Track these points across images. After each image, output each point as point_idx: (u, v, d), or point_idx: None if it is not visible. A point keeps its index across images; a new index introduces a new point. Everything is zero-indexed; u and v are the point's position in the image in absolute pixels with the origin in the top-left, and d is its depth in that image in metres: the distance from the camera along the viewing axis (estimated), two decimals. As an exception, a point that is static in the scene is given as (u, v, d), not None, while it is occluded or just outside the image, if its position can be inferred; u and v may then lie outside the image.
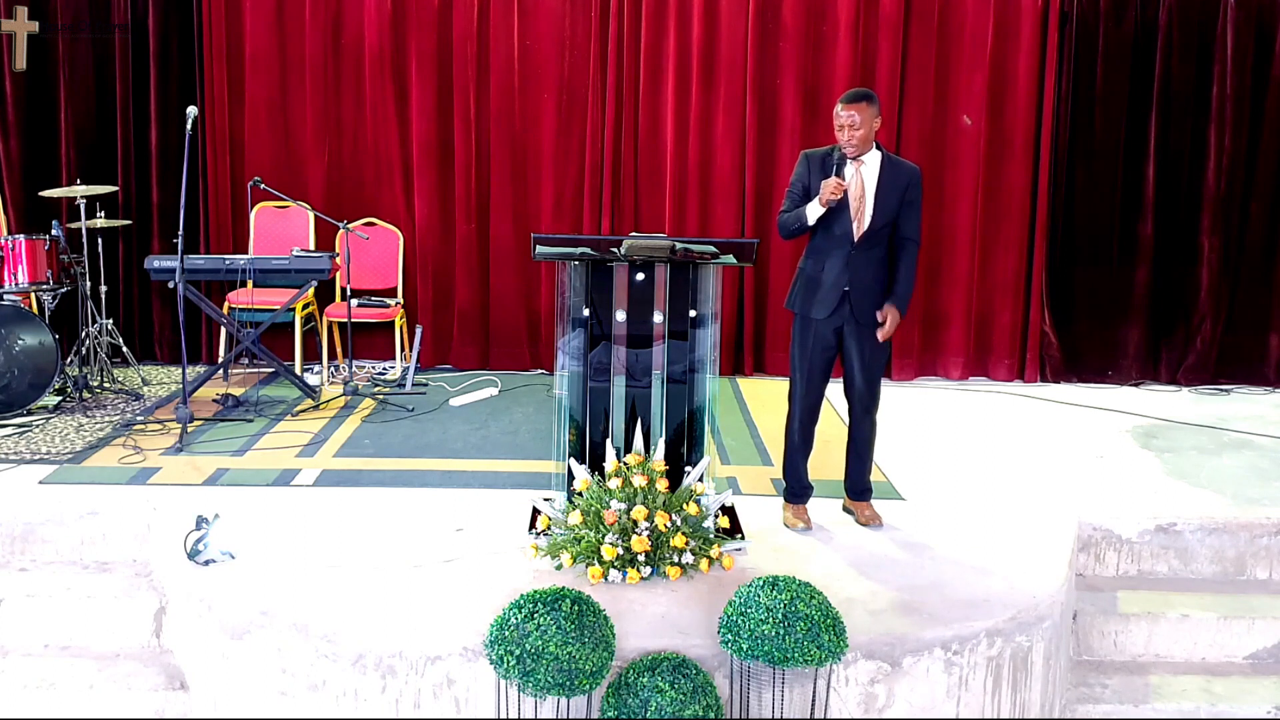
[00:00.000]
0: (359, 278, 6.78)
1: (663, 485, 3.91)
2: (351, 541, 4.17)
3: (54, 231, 5.98)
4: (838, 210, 4.23)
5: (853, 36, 6.77)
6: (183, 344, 5.31)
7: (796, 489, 4.47)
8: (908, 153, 6.88)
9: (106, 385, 6.22)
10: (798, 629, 3.28)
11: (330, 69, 6.95)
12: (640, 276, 4.08)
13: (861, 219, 4.25)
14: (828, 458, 4.69)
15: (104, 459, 5.05)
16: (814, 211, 4.23)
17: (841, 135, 4.22)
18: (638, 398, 4.11)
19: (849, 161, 4.26)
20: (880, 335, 4.29)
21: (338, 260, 6.40)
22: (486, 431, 5.67)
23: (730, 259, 4.12)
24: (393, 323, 6.91)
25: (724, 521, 4.19)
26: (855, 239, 4.25)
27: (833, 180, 4.16)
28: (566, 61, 6.90)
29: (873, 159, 4.27)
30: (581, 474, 4.02)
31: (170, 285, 5.47)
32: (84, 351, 6.19)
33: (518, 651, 3.22)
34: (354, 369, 6.78)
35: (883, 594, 3.79)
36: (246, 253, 6.84)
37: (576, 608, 3.29)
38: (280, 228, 7.01)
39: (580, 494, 3.96)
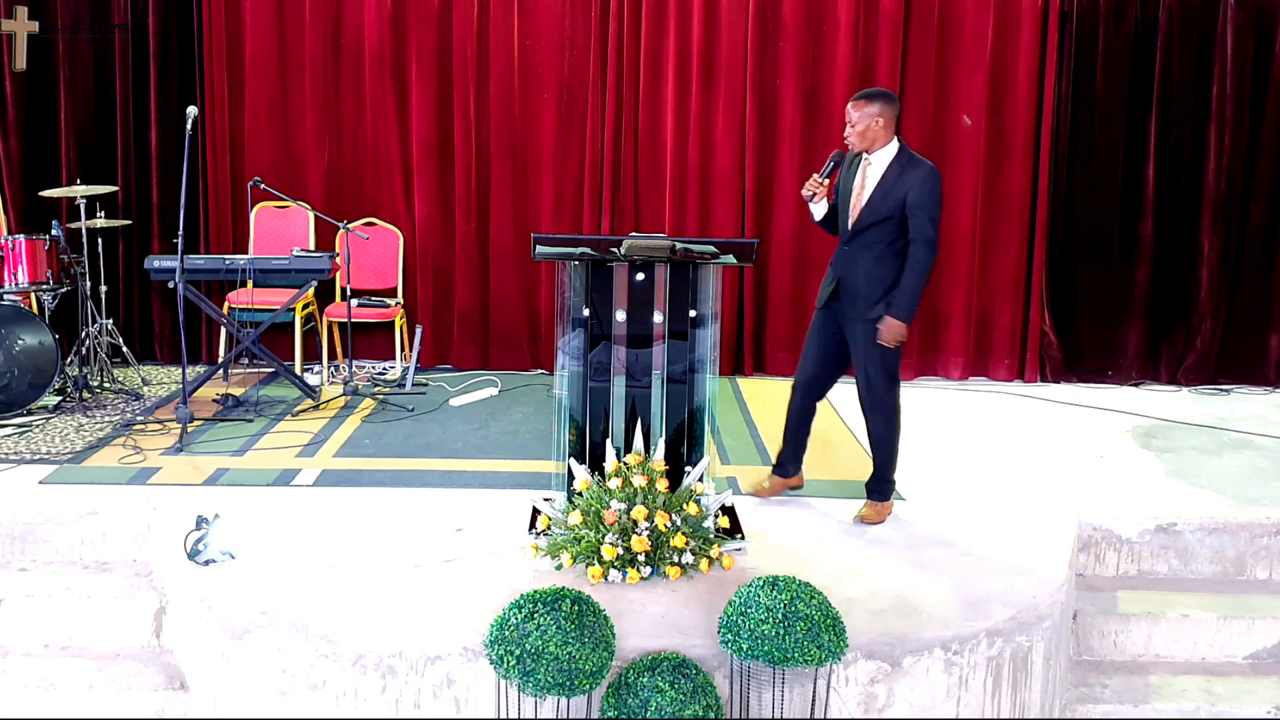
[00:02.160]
0: (359, 278, 6.78)
1: (663, 485, 3.90)
2: (351, 541, 4.17)
3: (54, 231, 5.98)
4: (840, 206, 4.39)
5: (853, 36, 6.77)
6: (183, 344, 5.31)
7: (777, 458, 4.69)
8: (907, 153, 6.88)
9: (106, 385, 6.22)
10: (798, 629, 3.28)
11: (330, 69, 6.95)
12: (640, 276, 4.08)
13: (852, 215, 4.32)
14: (828, 456, 4.71)
15: (104, 459, 5.05)
16: (813, 207, 4.43)
17: (846, 132, 4.36)
18: (638, 398, 4.11)
19: (863, 157, 4.33)
20: (880, 340, 4.30)
21: (338, 260, 6.40)
22: (486, 431, 5.67)
23: (730, 259, 4.12)
24: (393, 323, 6.91)
25: (724, 521, 4.19)
26: (847, 235, 4.34)
27: (813, 178, 4.38)
28: (566, 61, 6.90)
29: (881, 157, 4.29)
30: (581, 474, 4.02)
31: (170, 285, 5.46)
32: (84, 351, 6.19)
33: (518, 651, 3.22)
34: (354, 369, 6.78)
35: (883, 594, 3.79)
36: (246, 253, 6.84)
37: (576, 608, 3.29)
38: (280, 228, 7.01)
39: (580, 494, 3.96)
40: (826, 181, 4.38)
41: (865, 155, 4.31)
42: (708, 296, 4.13)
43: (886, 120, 4.25)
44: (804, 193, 4.41)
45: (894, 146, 4.28)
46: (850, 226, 4.32)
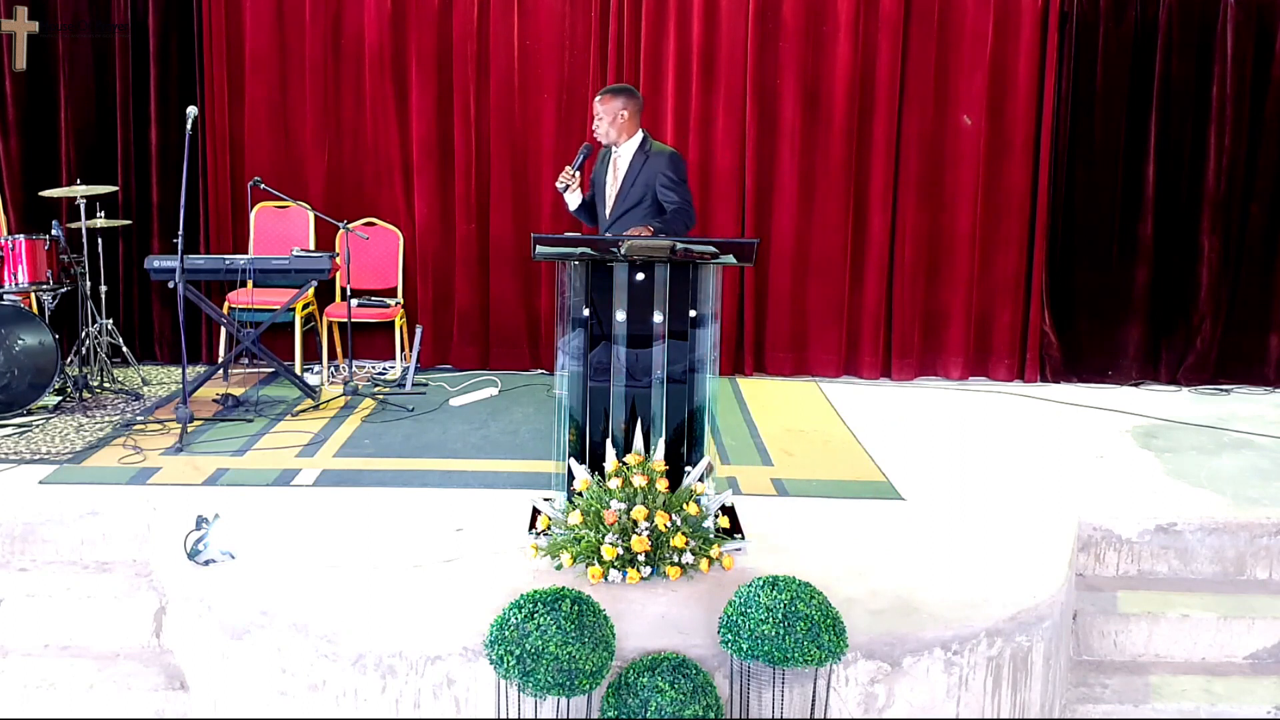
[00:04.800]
0: (359, 278, 6.78)
1: (663, 485, 3.90)
2: (351, 541, 4.17)
3: (54, 231, 5.98)
4: (597, 197, 4.84)
5: (853, 36, 6.77)
6: (183, 344, 5.31)
7: None
8: (907, 153, 6.88)
9: (106, 385, 6.22)
10: (798, 629, 3.28)
11: (330, 69, 6.95)
12: (640, 276, 4.07)
13: (609, 205, 4.72)
14: (828, 456, 4.70)
15: (104, 459, 5.05)
16: (568, 198, 4.86)
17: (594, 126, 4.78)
18: (638, 398, 4.11)
19: (613, 151, 4.78)
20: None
21: (338, 260, 6.40)
22: (486, 431, 5.67)
23: (730, 259, 4.12)
24: (393, 323, 6.91)
25: (724, 521, 4.19)
26: (607, 223, 4.76)
27: (566, 169, 4.80)
28: (566, 61, 6.89)
29: (627, 149, 4.71)
30: (581, 474, 4.02)
31: (170, 285, 5.46)
32: (84, 351, 6.19)
33: (518, 651, 3.22)
34: (354, 369, 6.77)
35: (883, 594, 3.79)
36: (246, 253, 6.83)
37: (576, 608, 3.29)
38: (280, 228, 7.01)
39: (580, 494, 3.95)
40: (578, 173, 4.77)
41: (614, 149, 4.73)
42: (708, 296, 4.13)
43: (631, 114, 4.70)
44: (558, 185, 4.79)
45: (638, 138, 4.72)
46: (609, 215, 4.71)
